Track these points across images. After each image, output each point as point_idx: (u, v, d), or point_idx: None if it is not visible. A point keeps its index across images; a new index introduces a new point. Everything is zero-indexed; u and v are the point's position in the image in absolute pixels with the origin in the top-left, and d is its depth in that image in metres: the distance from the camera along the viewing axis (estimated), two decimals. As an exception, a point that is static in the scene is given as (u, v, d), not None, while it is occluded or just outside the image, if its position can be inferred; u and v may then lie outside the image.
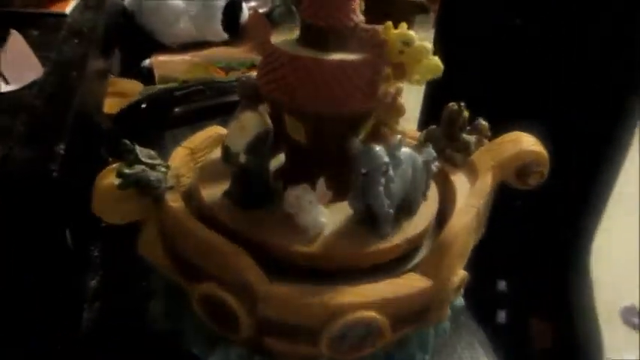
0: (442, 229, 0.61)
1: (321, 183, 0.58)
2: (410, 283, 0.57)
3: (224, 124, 0.66)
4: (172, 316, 0.63)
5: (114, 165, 0.60)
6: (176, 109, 1.03)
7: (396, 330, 0.57)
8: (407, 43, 0.58)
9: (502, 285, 1.18)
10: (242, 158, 0.58)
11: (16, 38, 0.86)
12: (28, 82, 0.81)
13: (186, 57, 1.29)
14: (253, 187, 0.60)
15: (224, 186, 0.61)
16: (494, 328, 1.03)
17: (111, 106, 1.08)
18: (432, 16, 2.27)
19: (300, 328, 0.55)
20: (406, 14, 2.17)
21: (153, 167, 0.60)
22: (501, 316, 1.18)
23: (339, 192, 0.59)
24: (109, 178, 0.59)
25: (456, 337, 0.71)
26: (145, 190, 0.59)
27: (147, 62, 1.26)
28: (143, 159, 0.60)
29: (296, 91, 0.58)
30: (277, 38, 0.61)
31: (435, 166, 0.62)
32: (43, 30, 0.96)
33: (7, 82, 0.81)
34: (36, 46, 0.87)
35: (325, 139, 0.61)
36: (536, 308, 1.20)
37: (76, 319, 0.72)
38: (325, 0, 0.58)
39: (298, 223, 0.58)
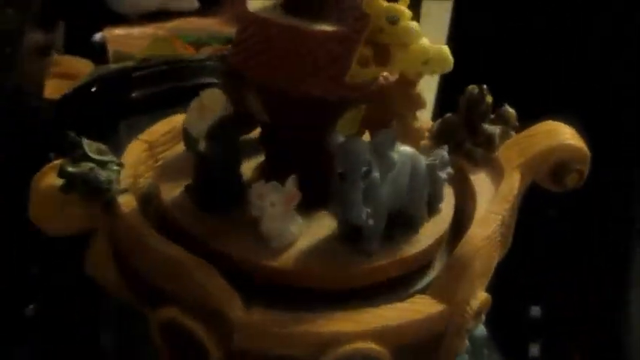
0: (459, 242, 0.61)
1: (290, 182, 0.58)
2: (417, 308, 0.57)
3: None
4: (126, 348, 0.63)
5: (56, 162, 0.60)
6: (133, 94, 1.03)
7: (401, 365, 0.57)
8: (391, 20, 0.58)
9: (535, 311, 1.19)
10: (201, 145, 0.59)
11: None
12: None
13: (147, 30, 1.29)
14: (218, 183, 0.60)
15: (191, 189, 0.62)
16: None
17: (54, 89, 1.08)
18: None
19: (283, 362, 0.55)
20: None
21: (103, 165, 0.60)
22: (534, 349, 1.19)
23: (321, 198, 0.60)
24: (49, 179, 0.59)
25: (477, 375, 0.71)
26: (93, 193, 0.59)
27: (98, 36, 1.26)
28: (91, 155, 0.60)
29: (253, 59, 0.59)
30: (258, 4, 0.62)
31: (446, 173, 0.63)
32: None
33: None
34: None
35: (294, 128, 0.61)
36: (578, 340, 1.20)
37: (7, 355, 0.72)
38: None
39: (261, 230, 0.58)
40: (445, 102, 1.19)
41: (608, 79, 1.04)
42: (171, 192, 0.62)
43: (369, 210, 0.56)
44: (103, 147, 0.62)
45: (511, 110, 0.71)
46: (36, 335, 0.75)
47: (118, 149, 0.64)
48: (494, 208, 0.64)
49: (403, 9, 0.59)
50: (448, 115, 0.71)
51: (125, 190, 0.61)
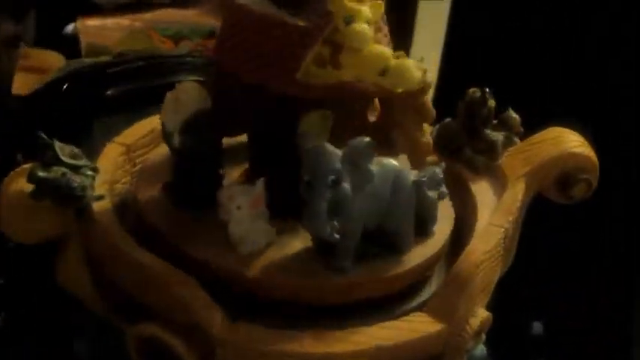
0: (458, 256, 0.61)
1: (258, 184, 0.58)
2: (413, 327, 0.57)
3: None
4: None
5: (25, 166, 0.60)
6: (108, 91, 1.03)
7: (396, 387, 0.57)
8: (346, 20, 0.59)
9: (538, 328, 1.19)
10: (175, 139, 0.59)
11: None
12: None
13: (122, 21, 1.29)
14: (193, 179, 0.60)
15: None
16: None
17: (22, 84, 1.08)
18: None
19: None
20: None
21: (76, 169, 0.60)
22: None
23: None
24: (18, 184, 0.59)
25: (476, 397, 0.71)
26: (65, 199, 0.59)
27: (70, 28, 1.26)
28: (64, 158, 0.60)
29: (226, 45, 0.61)
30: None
31: (438, 193, 0.62)
32: None
33: None
34: None
35: (265, 124, 0.62)
36: (581, 357, 1.21)
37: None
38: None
39: (228, 234, 0.58)
40: (443, 106, 1.19)
41: (607, 78, 1.04)
42: (150, 198, 0.62)
43: (335, 223, 0.56)
44: (76, 150, 0.62)
45: (515, 116, 0.71)
46: (5, 346, 0.75)
47: (92, 152, 0.64)
48: (496, 220, 0.64)
49: (364, 10, 0.59)
50: (447, 120, 0.71)
51: (101, 197, 0.61)
